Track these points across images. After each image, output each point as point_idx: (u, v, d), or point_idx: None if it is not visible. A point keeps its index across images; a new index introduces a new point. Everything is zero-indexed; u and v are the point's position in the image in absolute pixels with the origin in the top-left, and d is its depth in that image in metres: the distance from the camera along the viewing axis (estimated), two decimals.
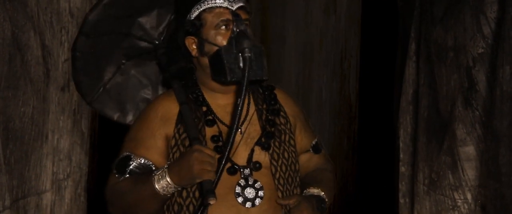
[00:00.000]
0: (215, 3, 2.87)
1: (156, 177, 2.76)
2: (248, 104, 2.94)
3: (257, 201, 2.82)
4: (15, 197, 3.21)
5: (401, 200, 3.99)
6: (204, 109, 2.90)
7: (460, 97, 3.57)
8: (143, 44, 3.10)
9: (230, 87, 2.91)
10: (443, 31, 3.65)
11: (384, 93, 5.81)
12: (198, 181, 2.74)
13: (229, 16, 2.85)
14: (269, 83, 3.02)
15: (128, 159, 2.85)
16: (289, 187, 2.90)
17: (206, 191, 2.70)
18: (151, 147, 2.85)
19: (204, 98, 2.92)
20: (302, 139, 3.03)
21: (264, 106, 2.96)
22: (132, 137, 2.89)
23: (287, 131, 2.95)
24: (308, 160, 3.05)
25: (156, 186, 2.76)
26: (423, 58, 3.81)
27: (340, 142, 6.11)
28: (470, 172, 3.57)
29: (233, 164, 2.84)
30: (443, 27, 3.65)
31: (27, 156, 3.27)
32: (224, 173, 2.81)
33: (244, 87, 2.75)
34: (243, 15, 2.87)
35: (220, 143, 2.85)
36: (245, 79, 2.76)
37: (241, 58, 2.79)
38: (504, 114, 3.33)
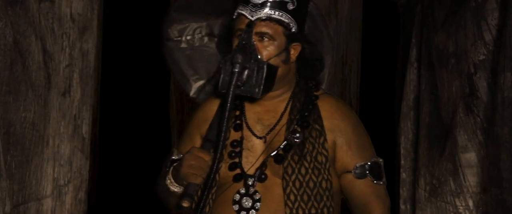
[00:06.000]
0: (240, 10, 2.84)
1: (167, 175, 2.84)
2: (283, 113, 2.86)
3: (252, 212, 2.78)
4: (16, 202, 3.21)
5: (402, 206, 3.99)
6: (237, 112, 2.88)
7: (461, 103, 3.57)
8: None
9: (268, 94, 2.84)
10: (445, 37, 3.65)
11: (385, 99, 5.80)
12: (185, 182, 2.76)
13: (244, 26, 2.81)
14: (320, 91, 2.91)
15: (171, 154, 2.93)
16: (304, 205, 2.79)
17: (184, 193, 2.74)
18: (188, 144, 2.89)
19: (241, 102, 2.88)
20: (342, 157, 2.84)
21: (298, 116, 2.85)
22: (182, 134, 3.01)
23: (317, 146, 2.82)
24: (349, 182, 2.87)
25: (166, 182, 2.83)
26: (424, 64, 3.81)
27: None
28: (471, 178, 3.57)
29: (243, 171, 2.82)
30: (445, 33, 3.65)
31: (27, 161, 3.27)
32: (231, 180, 2.81)
33: (228, 102, 2.73)
34: (261, 28, 2.80)
35: (238, 149, 2.83)
36: (229, 94, 2.73)
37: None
38: (505, 120, 3.33)
